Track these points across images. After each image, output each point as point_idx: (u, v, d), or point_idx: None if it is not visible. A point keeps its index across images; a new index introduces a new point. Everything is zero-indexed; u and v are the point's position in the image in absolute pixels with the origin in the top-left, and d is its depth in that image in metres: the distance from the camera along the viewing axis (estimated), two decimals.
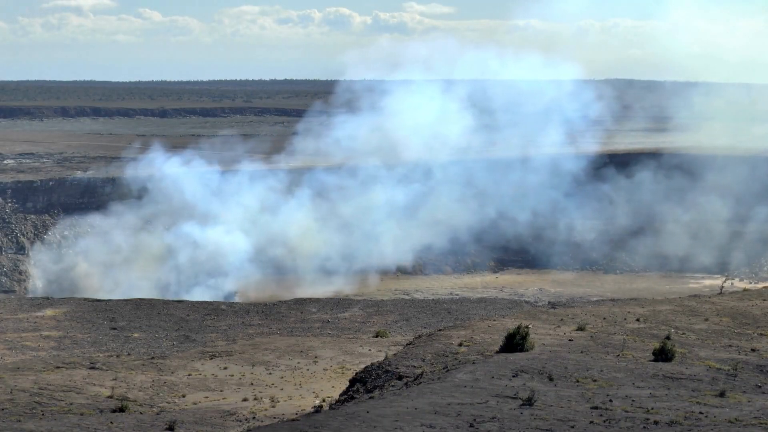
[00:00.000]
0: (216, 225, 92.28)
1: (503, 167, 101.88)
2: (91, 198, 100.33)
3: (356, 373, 33.84)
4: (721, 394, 25.18)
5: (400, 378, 29.54)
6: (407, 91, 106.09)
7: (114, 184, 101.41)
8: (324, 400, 36.01)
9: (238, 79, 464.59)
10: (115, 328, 58.28)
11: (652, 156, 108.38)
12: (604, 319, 37.25)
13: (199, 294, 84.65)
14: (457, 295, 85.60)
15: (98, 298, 72.82)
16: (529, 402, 23.98)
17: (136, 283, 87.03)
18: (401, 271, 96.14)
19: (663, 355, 29.81)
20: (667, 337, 32.64)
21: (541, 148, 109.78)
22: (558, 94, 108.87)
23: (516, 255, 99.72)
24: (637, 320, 37.10)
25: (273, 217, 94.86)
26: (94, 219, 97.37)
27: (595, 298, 73.61)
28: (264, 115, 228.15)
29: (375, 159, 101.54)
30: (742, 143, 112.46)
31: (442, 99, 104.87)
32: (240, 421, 33.70)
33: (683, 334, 34.57)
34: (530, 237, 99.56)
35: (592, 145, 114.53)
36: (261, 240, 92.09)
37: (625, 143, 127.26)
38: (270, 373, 43.83)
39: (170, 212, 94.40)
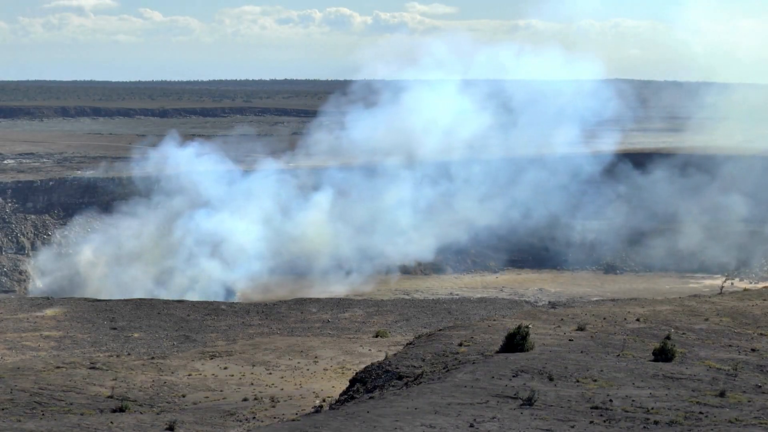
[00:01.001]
0: (229, 221, 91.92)
1: (519, 166, 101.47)
2: (92, 197, 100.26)
3: (356, 373, 33.84)
4: (721, 394, 25.16)
5: (400, 378, 29.53)
6: (423, 89, 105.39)
7: (116, 183, 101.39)
8: (324, 400, 36.00)
9: (238, 79, 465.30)
10: (115, 328, 58.29)
11: (666, 155, 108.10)
12: (604, 319, 37.24)
13: (205, 281, 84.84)
14: (457, 295, 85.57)
15: (98, 298, 72.81)
16: (529, 402, 23.98)
17: (137, 282, 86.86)
18: (419, 271, 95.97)
19: (663, 355, 29.78)
20: (667, 337, 32.61)
21: (556, 147, 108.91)
22: (575, 92, 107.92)
23: (518, 255, 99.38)
24: (637, 320, 37.09)
25: (288, 215, 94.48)
26: (95, 218, 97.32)
27: (595, 298, 73.60)
28: (264, 114, 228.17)
29: (390, 157, 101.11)
30: (756, 143, 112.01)
31: (459, 97, 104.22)
32: (240, 421, 33.66)
33: (683, 334, 34.54)
34: (539, 237, 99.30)
35: (607, 145, 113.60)
36: (276, 239, 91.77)
37: (639, 142, 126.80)
38: (270, 373, 43.81)
39: (177, 209, 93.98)
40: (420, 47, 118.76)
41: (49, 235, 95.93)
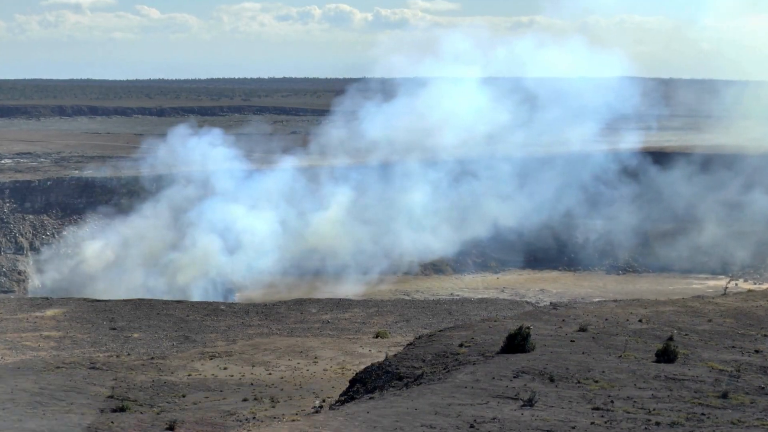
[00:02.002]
0: (244, 219, 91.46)
1: (538, 164, 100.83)
2: (90, 197, 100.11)
3: (356, 374, 33.82)
4: (724, 396, 25.10)
5: (400, 378, 29.48)
6: (442, 84, 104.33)
7: (116, 182, 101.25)
8: (324, 400, 35.95)
9: (236, 77, 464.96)
10: (115, 328, 58.15)
11: (686, 154, 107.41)
12: (606, 319, 37.19)
13: (214, 278, 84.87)
14: (458, 295, 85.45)
15: (99, 297, 72.69)
16: (529, 403, 23.93)
17: (140, 282, 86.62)
18: (432, 270, 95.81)
19: (665, 356, 29.72)
20: (670, 338, 32.56)
21: (576, 144, 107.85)
22: (596, 88, 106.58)
23: (532, 254, 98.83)
24: (640, 321, 37.02)
25: (303, 214, 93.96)
26: (95, 218, 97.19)
27: (597, 299, 73.52)
28: (263, 113, 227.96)
29: (408, 154, 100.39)
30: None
31: (478, 92, 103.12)
32: (240, 421, 33.59)
33: (686, 335, 34.48)
34: (554, 236, 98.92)
35: (627, 143, 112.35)
36: (291, 237, 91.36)
37: (658, 140, 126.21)
38: (270, 374, 43.75)
39: (185, 205, 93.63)
40: (438, 40, 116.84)
41: (47, 235, 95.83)
